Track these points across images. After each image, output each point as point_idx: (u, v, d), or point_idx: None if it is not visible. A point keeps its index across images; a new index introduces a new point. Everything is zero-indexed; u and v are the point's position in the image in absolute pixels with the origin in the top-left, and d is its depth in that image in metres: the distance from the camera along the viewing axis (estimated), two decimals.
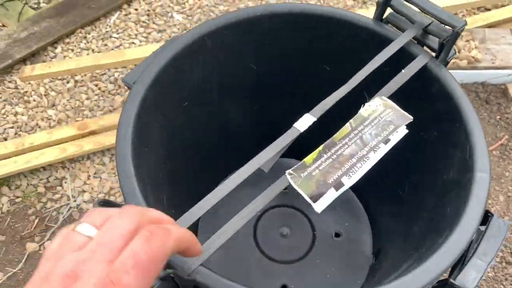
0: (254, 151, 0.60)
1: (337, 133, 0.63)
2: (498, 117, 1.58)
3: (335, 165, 0.59)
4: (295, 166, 0.60)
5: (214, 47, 0.74)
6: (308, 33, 0.77)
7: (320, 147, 0.61)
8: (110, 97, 1.61)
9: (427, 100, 0.70)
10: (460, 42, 1.57)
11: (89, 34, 1.77)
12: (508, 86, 1.61)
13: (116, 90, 1.63)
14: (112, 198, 1.41)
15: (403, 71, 0.68)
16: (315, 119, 0.63)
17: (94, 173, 1.46)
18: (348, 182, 0.58)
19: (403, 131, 0.61)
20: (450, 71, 0.70)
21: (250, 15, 0.74)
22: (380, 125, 0.62)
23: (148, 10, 1.85)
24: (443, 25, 0.70)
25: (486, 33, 1.62)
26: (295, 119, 0.63)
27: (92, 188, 1.43)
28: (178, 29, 1.79)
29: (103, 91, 1.63)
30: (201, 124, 0.82)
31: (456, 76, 0.69)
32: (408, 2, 0.72)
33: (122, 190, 0.56)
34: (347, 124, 0.63)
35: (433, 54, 0.71)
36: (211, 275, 0.50)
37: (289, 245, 0.92)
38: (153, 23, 1.81)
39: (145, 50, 1.52)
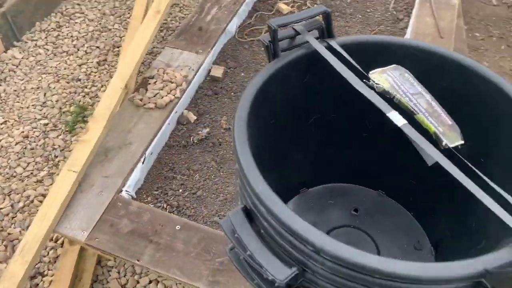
0: None
1: (404, 106, 0.74)
2: None
3: (435, 114, 0.72)
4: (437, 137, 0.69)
5: None
6: None
7: (420, 116, 0.72)
8: None
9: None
10: None
11: None
12: None
13: None
14: None
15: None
16: (396, 112, 0.72)
17: None
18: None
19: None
20: None
21: None
22: (404, 81, 0.77)
23: None
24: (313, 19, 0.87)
25: None
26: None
27: None
28: None
29: None
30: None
31: None
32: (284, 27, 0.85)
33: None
34: (395, 99, 0.75)
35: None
36: None
37: None
38: None
39: None
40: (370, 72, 0.80)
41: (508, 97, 0.78)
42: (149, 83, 1.77)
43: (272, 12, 2.32)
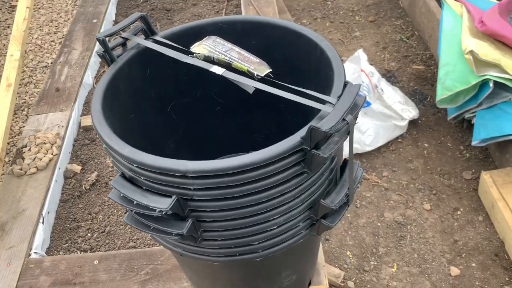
0: None
1: (222, 61, 0.93)
2: None
3: (245, 59, 0.92)
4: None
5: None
6: None
7: (235, 63, 0.91)
8: None
9: None
10: None
11: None
12: None
13: None
14: None
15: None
16: (216, 65, 0.90)
17: None
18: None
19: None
20: None
21: None
22: (217, 44, 0.97)
23: None
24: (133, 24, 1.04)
25: None
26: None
27: None
28: None
29: None
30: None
31: None
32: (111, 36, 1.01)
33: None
34: (214, 58, 0.94)
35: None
36: None
37: None
38: None
39: None
40: (191, 47, 0.99)
41: (299, 34, 1.01)
42: (24, 152, 1.80)
43: None
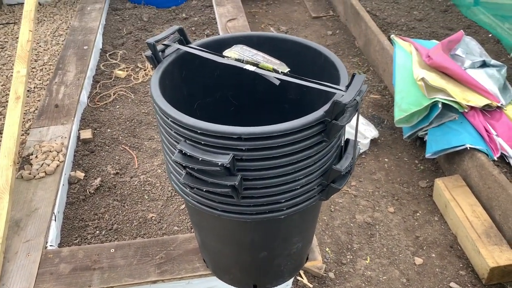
0: None
1: (250, 62, 1.19)
2: None
3: (269, 61, 1.19)
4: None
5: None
6: None
7: (262, 63, 1.17)
8: None
9: None
10: None
11: None
12: None
13: None
14: None
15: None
16: (248, 65, 1.16)
17: None
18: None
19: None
20: None
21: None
22: (244, 50, 1.22)
23: None
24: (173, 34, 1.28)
25: None
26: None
27: None
28: None
29: None
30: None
31: None
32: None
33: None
34: (244, 60, 1.20)
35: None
36: None
37: None
38: None
39: None
40: (223, 53, 1.24)
41: (305, 46, 1.30)
42: (31, 159, 1.93)
43: (112, 79, 2.66)
